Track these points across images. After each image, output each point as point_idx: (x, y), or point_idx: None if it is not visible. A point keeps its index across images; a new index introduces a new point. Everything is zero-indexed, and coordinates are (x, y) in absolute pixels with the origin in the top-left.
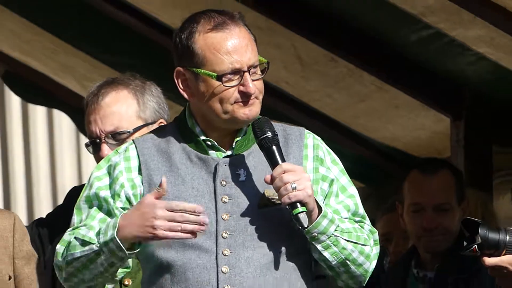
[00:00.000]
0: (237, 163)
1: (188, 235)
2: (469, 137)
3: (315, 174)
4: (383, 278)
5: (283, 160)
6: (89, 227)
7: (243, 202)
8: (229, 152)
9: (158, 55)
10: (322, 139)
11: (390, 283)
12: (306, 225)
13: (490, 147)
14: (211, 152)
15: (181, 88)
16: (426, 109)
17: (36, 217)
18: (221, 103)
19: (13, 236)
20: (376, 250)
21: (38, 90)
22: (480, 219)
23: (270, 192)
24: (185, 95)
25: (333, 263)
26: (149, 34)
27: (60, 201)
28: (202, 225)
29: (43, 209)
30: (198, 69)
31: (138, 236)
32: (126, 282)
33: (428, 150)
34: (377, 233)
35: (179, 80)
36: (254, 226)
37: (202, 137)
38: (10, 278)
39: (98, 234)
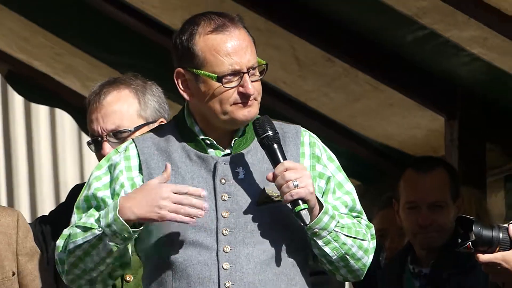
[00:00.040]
0: (236, 162)
1: (188, 219)
2: (463, 136)
3: (312, 171)
4: (380, 274)
5: (285, 158)
6: (89, 215)
7: (243, 200)
8: (227, 151)
9: (158, 55)
10: (319, 138)
11: (386, 278)
12: (308, 222)
13: (484, 146)
14: (210, 150)
15: (181, 89)
16: (421, 109)
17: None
18: (221, 104)
19: (16, 233)
20: (373, 244)
21: (41, 89)
22: (475, 216)
23: (269, 189)
24: (185, 96)
25: (333, 258)
26: (149, 35)
27: (63, 198)
28: (202, 210)
29: (46, 206)
30: (199, 70)
31: (143, 217)
32: (127, 278)
33: (423, 149)
34: (373, 227)
35: (179, 81)
36: (254, 223)
37: (201, 136)
38: (13, 274)
39: (98, 220)
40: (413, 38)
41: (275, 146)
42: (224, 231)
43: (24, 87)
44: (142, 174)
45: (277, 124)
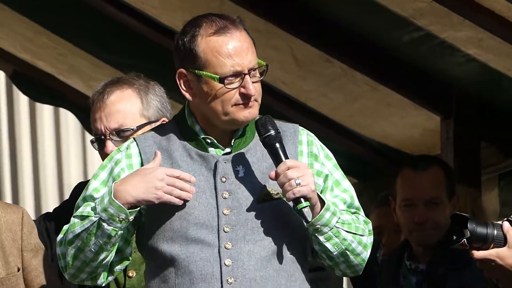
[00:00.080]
0: (236, 160)
1: (179, 200)
2: (459, 135)
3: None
4: (377, 270)
5: (287, 157)
6: (86, 205)
7: (243, 198)
8: (228, 150)
9: (159, 56)
10: (318, 137)
11: (384, 274)
12: (309, 219)
13: (479, 144)
14: (211, 149)
15: (183, 89)
16: (417, 108)
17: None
18: (223, 104)
19: (21, 230)
20: (370, 239)
21: (45, 89)
22: (470, 213)
23: (269, 187)
24: (187, 96)
25: (334, 253)
26: (150, 35)
27: (66, 196)
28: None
29: (50, 204)
30: (201, 71)
31: (141, 198)
32: (130, 274)
33: (419, 148)
34: (371, 223)
35: (181, 81)
36: (254, 221)
37: (202, 135)
38: (18, 270)
39: (94, 208)
40: (410, 39)
41: (277, 145)
42: (225, 228)
43: (28, 87)
44: None
45: (275, 123)
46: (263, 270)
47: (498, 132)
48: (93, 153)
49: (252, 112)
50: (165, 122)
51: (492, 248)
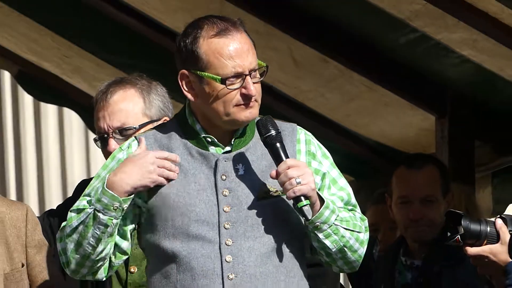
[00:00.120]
0: (236, 159)
1: (165, 181)
2: (453, 134)
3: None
4: (373, 266)
5: (287, 156)
6: (81, 199)
7: (243, 195)
8: (228, 148)
9: (160, 56)
10: (316, 136)
11: (380, 270)
12: (309, 217)
13: (473, 143)
14: (211, 148)
15: (185, 90)
16: (413, 108)
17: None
18: (224, 105)
19: (25, 226)
20: (367, 236)
21: (50, 89)
22: (464, 211)
23: (268, 184)
24: (189, 96)
25: (332, 250)
26: (152, 37)
27: (70, 193)
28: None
29: (54, 201)
30: (203, 72)
31: (137, 185)
32: (132, 270)
33: (414, 146)
34: (366, 220)
35: (183, 82)
36: (254, 217)
37: (203, 134)
38: (23, 265)
39: (89, 201)
40: (405, 40)
41: (278, 145)
42: (225, 225)
43: (33, 87)
44: None
45: None
46: (263, 266)
47: (491, 131)
48: (96, 152)
49: (252, 112)
50: (166, 121)
51: (485, 244)
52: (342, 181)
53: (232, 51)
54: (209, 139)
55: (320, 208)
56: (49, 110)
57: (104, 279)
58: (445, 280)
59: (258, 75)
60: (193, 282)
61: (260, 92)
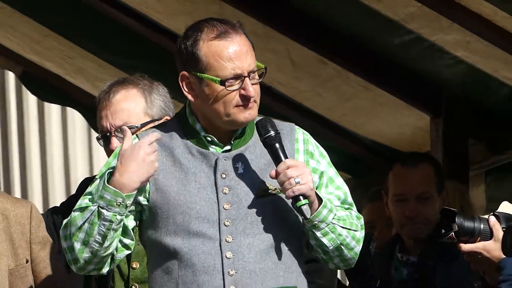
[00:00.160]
0: (235, 157)
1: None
2: (447, 133)
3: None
4: (370, 262)
5: (286, 157)
6: (83, 198)
7: (242, 193)
8: (227, 147)
9: (161, 57)
10: (313, 135)
11: (376, 266)
12: (308, 216)
13: (466, 142)
14: (211, 147)
15: (185, 91)
16: (408, 108)
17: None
18: (224, 106)
19: (30, 223)
20: (362, 234)
21: (53, 89)
22: (458, 208)
23: (267, 182)
24: (189, 97)
25: (329, 248)
26: (154, 38)
27: (73, 191)
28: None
29: (57, 198)
30: (203, 74)
31: (145, 178)
32: (134, 266)
33: (410, 145)
34: (362, 218)
35: (184, 83)
36: (254, 215)
37: (203, 134)
38: (27, 261)
39: (92, 199)
40: (401, 42)
41: (277, 145)
42: (226, 222)
43: (37, 87)
44: None
45: None
46: (262, 263)
47: (485, 131)
48: (99, 150)
49: (251, 113)
50: (167, 120)
51: (479, 241)
52: (339, 180)
53: (231, 53)
54: (209, 138)
55: (318, 207)
56: (53, 110)
57: (106, 273)
58: (439, 276)
59: (257, 77)
60: (194, 278)
61: (259, 93)
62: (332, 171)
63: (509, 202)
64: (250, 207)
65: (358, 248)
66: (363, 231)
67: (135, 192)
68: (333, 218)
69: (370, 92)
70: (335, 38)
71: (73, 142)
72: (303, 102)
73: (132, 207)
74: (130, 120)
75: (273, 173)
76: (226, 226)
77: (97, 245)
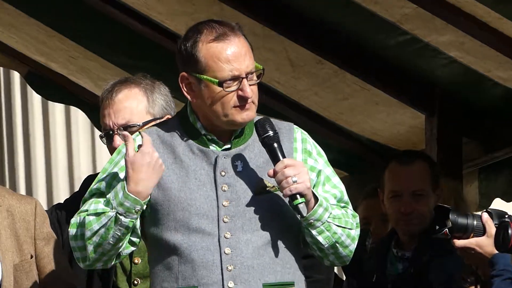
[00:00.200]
0: (235, 156)
1: None
2: (442, 131)
3: (304, 165)
4: (367, 256)
5: (284, 156)
6: (96, 202)
7: (241, 190)
8: (227, 146)
9: (163, 58)
10: (311, 133)
11: (373, 261)
12: (304, 214)
13: (460, 140)
14: (211, 145)
15: (185, 91)
16: (403, 107)
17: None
18: (222, 106)
19: (34, 220)
20: (358, 232)
21: (57, 89)
22: (453, 205)
23: (265, 180)
24: (189, 97)
25: (325, 246)
26: (155, 39)
27: (77, 188)
28: None
29: (61, 195)
30: (201, 75)
31: (156, 182)
32: (135, 261)
33: (405, 143)
34: (358, 217)
35: (183, 84)
36: (252, 212)
37: (203, 132)
38: (32, 256)
39: (108, 203)
40: (396, 42)
41: (275, 145)
42: (224, 219)
43: (41, 87)
44: None
45: (272, 121)
46: (260, 258)
47: (478, 129)
48: (102, 148)
49: (249, 114)
50: (168, 119)
51: (472, 237)
52: (336, 179)
53: (229, 55)
54: (210, 137)
55: (314, 206)
56: (57, 109)
57: (110, 267)
58: (433, 270)
59: (255, 78)
60: (193, 273)
61: (256, 94)
62: (329, 170)
63: (502, 199)
64: (248, 204)
65: (353, 246)
66: (358, 229)
67: (150, 197)
68: (329, 217)
69: (366, 91)
70: (332, 38)
71: (76, 140)
72: (300, 101)
73: None
74: (132, 118)
75: (271, 172)
76: (225, 222)
77: (110, 246)
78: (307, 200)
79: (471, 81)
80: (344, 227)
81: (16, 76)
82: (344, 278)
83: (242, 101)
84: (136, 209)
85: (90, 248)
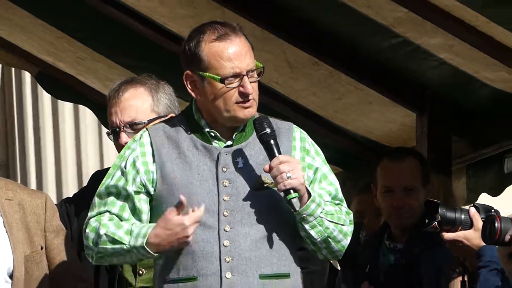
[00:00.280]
0: (236, 153)
1: None
2: (432, 130)
3: (302, 163)
4: (360, 248)
5: (279, 152)
6: (117, 225)
7: (241, 186)
8: (229, 143)
9: (167, 59)
10: (308, 131)
11: (366, 252)
12: (297, 209)
13: (450, 138)
14: (214, 142)
15: (189, 88)
16: (395, 106)
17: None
18: (224, 102)
19: (44, 213)
20: (351, 228)
21: (66, 88)
22: (442, 200)
23: (264, 177)
24: (193, 94)
25: (317, 240)
26: (160, 41)
27: (85, 183)
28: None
29: (70, 190)
30: (204, 73)
31: (170, 250)
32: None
33: (397, 141)
34: (352, 214)
35: (188, 82)
36: (250, 206)
37: (207, 129)
38: (42, 248)
39: (128, 232)
40: (389, 44)
41: (272, 142)
42: (224, 213)
43: (51, 87)
44: (155, 161)
45: (272, 121)
46: (257, 251)
47: (466, 127)
48: (109, 145)
49: (250, 111)
50: (174, 116)
51: (460, 230)
52: (332, 177)
53: (231, 54)
54: (213, 134)
55: (307, 201)
56: (66, 108)
57: None
58: (423, 261)
59: (255, 75)
60: (193, 264)
61: (257, 91)
62: (326, 168)
63: (488, 194)
64: (247, 199)
65: (345, 242)
66: (352, 226)
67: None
68: (321, 212)
69: (360, 91)
70: (328, 41)
71: (85, 138)
72: (298, 100)
73: (145, 199)
74: (138, 116)
75: (267, 167)
76: (225, 216)
77: (122, 260)
78: (300, 195)
79: (460, 82)
80: (337, 223)
81: (27, 76)
82: (339, 268)
83: (243, 97)
84: (147, 256)
85: (102, 255)
